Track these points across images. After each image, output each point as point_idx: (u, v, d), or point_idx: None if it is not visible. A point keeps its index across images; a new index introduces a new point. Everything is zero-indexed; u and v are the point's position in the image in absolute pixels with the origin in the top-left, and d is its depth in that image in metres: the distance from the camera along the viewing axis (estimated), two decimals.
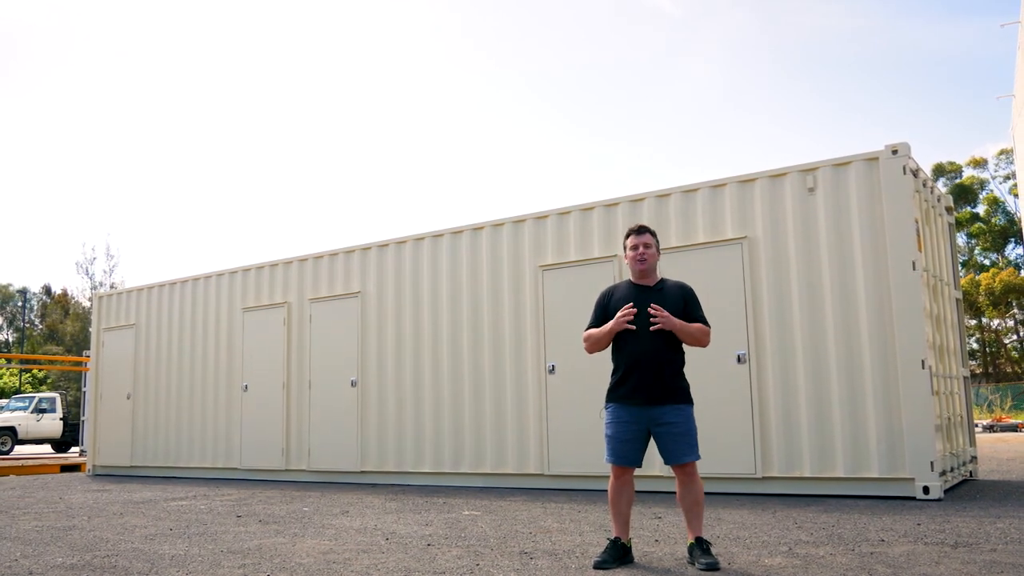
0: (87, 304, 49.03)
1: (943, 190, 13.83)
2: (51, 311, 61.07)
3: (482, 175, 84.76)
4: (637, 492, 5.07)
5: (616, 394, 4.37)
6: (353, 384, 10.12)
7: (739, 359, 7.48)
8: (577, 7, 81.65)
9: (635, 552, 4.48)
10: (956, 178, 46.44)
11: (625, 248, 4.53)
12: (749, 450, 7.34)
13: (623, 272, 7.96)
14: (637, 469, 4.39)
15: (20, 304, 62.51)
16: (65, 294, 60.10)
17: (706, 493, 4.74)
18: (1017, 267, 43.92)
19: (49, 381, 44.16)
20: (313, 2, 79.65)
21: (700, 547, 4.16)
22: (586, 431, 8.07)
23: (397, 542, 5.17)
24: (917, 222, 7.06)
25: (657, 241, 4.54)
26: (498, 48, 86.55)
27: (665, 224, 8.01)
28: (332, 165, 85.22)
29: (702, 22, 79.75)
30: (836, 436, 7.00)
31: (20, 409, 24.23)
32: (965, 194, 45.60)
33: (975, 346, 43.83)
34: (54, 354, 48.21)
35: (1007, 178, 45.28)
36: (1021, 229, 40.71)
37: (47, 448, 25.45)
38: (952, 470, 7.35)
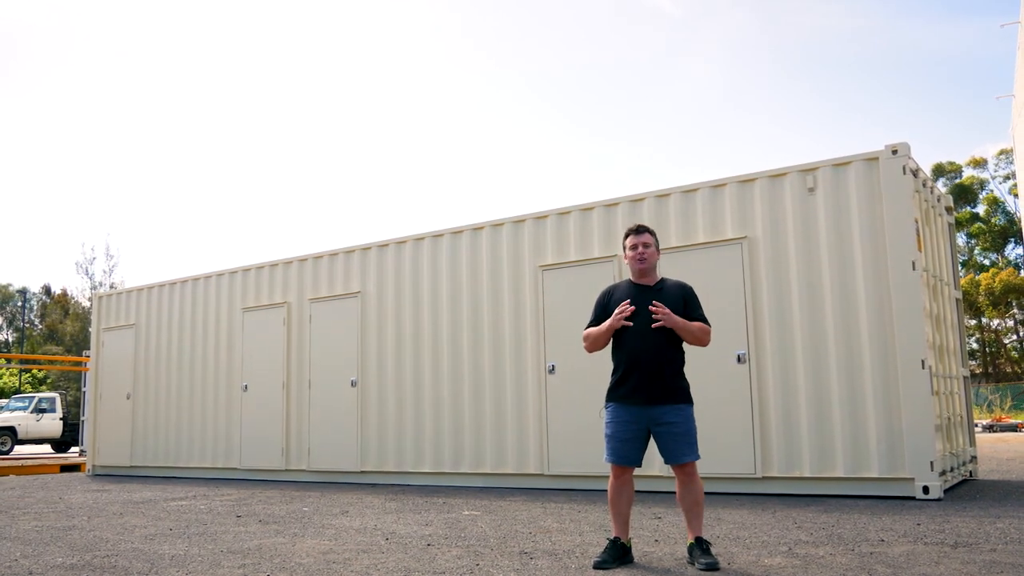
0: (87, 304, 49.04)
1: (943, 190, 13.82)
2: (51, 311, 61.07)
3: (482, 175, 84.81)
4: (637, 492, 5.07)
5: (616, 394, 4.37)
6: (353, 384, 10.12)
7: (739, 359, 7.48)
8: (577, 7, 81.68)
9: (635, 552, 4.48)
10: (956, 178, 46.45)
11: (624, 248, 4.53)
12: (749, 450, 7.34)
13: (623, 272, 7.95)
14: (637, 469, 4.40)
15: (20, 304, 62.51)
16: (65, 294, 60.11)
17: (706, 493, 4.74)
18: (1017, 267, 43.93)
19: (49, 381, 44.15)
20: (313, 2, 79.68)
21: (700, 547, 4.16)
22: (586, 431, 8.07)
23: (397, 542, 5.17)
24: (917, 222, 7.06)
25: (656, 240, 4.54)
26: (498, 48, 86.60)
27: (665, 224, 8.01)
28: (332, 165, 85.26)
29: (702, 22, 79.81)
30: (836, 436, 7.00)
31: (20, 409, 24.23)
32: (965, 194, 45.61)
33: (975, 346, 43.84)
34: (54, 354, 48.21)
35: (1007, 178, 45.30)
36: (1021, 229, 40.71)
37: (47, 448, 25.45)
38: (952, 470, 7.35)
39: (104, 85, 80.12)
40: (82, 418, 18.12)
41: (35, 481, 11.87)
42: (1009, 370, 42.93)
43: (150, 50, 78.17)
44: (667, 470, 6.70)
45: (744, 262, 7.60)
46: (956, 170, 46.75)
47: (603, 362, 4.86)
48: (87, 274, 48.39)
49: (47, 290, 65.87)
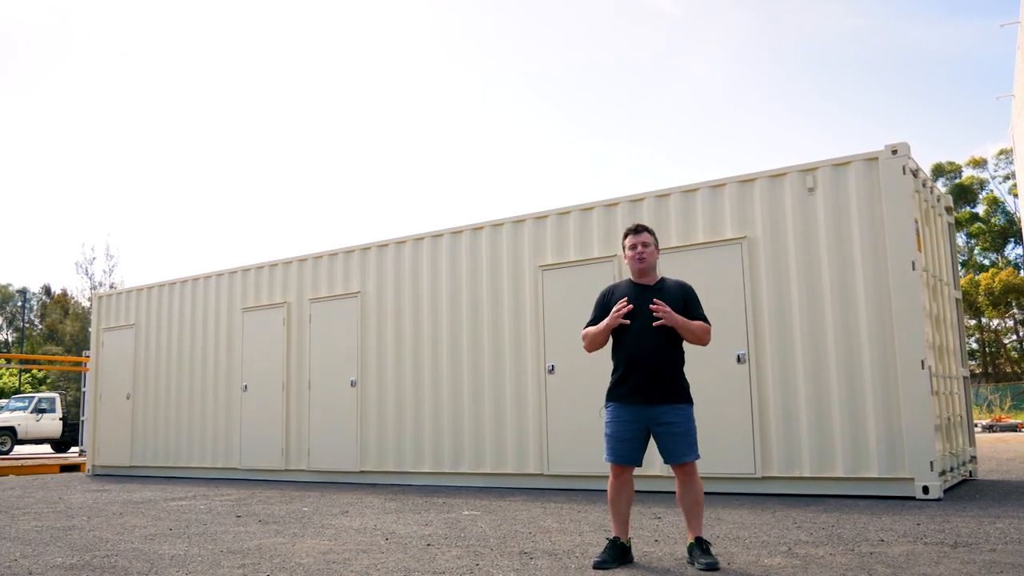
0: (87, 304, 49.02)
1: (943, 190, 13.81)
2: (51, 311, 61.06)
3: (482, 175, 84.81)
4: (637, 492, 5.07)
5: (616, 393, 4.37)
6: (353, 384, 10.12)
7: (739, 359, 7.48)
8: (577, 7, 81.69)
9: (635, 552, 4.48)
10: (956, 178, 46.46)
11: (624, 248, 4.53)
12: (749, 450, 7.34)
13: (623, 272, 7.96)
14: (637, 469, 4.39)
15: (20, 304, 62.51)
16: (65, 294, 60.09)
17: (706, 493, 4.74)
18: (1016, 267, 43.94)
19: (49, 381, 44.15)
20: (313, 2, 79.67)
21: (700, 547, 4.16)
22: (585, 431, 8.07)
23: (397, 542, 5.17)
24: (917, 222, 7.06)
25: (656, 240, 4.54)
26: (498, 48, 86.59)
27: (665, 224, 8.01)
28: (332, 165, 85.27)
29: (702, 22, 79.81)
30: (836, 436, 7.00)
31: (20, 409, 24.22)
32: (965, 194, 45.62)
33: (975, 346, 43.85)
34: (54, 354, 48.20)
35: (1007, 178, 45.31)
36: (1021, 229, 40.72)
37: (47, 448, 25.45)
38: (952, 470, 7.35)
39: (104, 85, 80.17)
40: (82, 418, 18.12)
41: (35, 481, 11.87)
42: (1009, 370, 42.94)
43: (150, 50, 78.21)
44: (667, 470, 6.70)
45: (744, 262, 7.60)
46: (956, 170, 46.76)
47: (603, 362, 4.86)
48: (87, 274, 48.42)
49: (47, 290, 65.89)
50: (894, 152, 7.00)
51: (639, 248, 4.44)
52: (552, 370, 8.55)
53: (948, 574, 3.80)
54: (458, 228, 9.54)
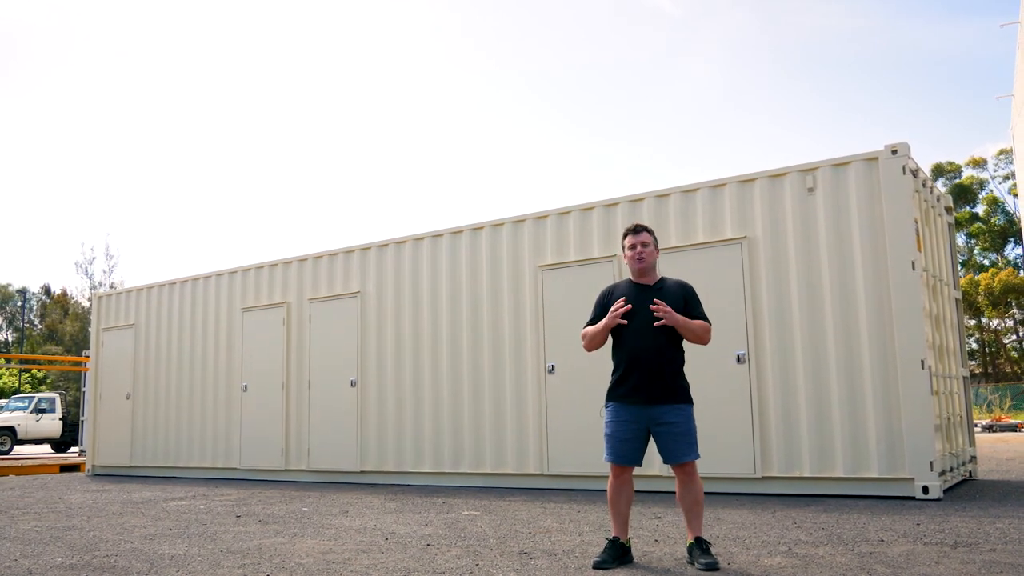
0: (86, 304, 49.02)
1: (943, 190, 13.79)
2: (50, 311, 61.04)
3: (482, 175, 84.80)
4: (637, 492, 5.07)
5: (616, 393, 4.37)
6: (353, 384, 10.12)
7: (739, 359, 7.48)
8: (577, 7, 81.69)
9: (634, 552, 4.48)
10: (956, 178, 46.46)
11: (623, 248, 4.53)
12: (749, 450, 7.34)
13: (623, 272, 7.96)
14: (637, 468, 4.39)
15: (19, 304, 62.50)
16: (64, 294, 60.09)
17: (706, 493, 4.74)
18: (1016, 267, 43.94)
19: (49, 381, 44.14)
20: (313, 2, 79.67)
21: (700, 547, 4.16)
22: (585, 431, 8.07)
23: (397, 542, 5.17)
24: (917, 222, 7.06)
25: (655, 240, 4.54)
26: (498, 48, 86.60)
27: (665, 224, 8.01)
28: (332, 165, 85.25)
29: (702, 22, 79.82)
30: (836, 436, 7.00)
31: (19, 409, 24.22)
32: (965, 194, 45.62)
33: (974, 346, 43.85)
34: (53, 354, 48.20)
35: (1006, 178, 45.31)
36: (1020, 229, 40.71)
37: (46, 448, 25.45)
38: (951, 470, 7.35)
39: (104, 85, 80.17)
40: (82, 418, 18.11)
41: (35, 481, 11.87)
42: (1009, 370, 42.94)
43: (150, 50, 78.21)
44: (667, 470, 6.70)
45: (744, 262, 7.60)
46: (956, 170, 46.77)
47: (603, 362, 4.86)
48: (87, 274, 48.40)
49: (47, 290, 65.88)
50: (894, 152, 7.01)
51: (638, 248, 4.44)
52: (552, 370, 8.55)
53: (948, 574, 3.80)
54: (458, 228, 9.54)
